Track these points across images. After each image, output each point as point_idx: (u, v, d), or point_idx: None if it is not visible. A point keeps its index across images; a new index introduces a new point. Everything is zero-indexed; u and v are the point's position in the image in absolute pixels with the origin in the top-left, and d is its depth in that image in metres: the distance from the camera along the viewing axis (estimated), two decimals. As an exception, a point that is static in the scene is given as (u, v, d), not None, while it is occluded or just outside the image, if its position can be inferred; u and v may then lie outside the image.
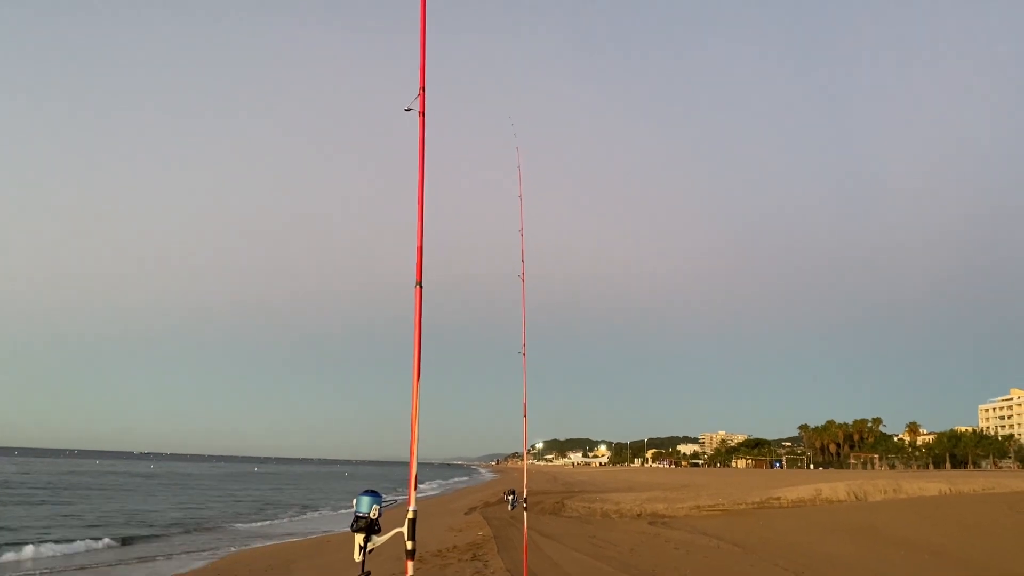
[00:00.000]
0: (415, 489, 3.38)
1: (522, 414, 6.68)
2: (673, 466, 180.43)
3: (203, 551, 20.21)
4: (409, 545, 3.40)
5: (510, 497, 7.04)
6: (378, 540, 3.66)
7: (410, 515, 3.38)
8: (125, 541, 22.01)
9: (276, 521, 31.24)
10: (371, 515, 3.60)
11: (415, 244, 3.42)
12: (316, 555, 17.33)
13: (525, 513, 7.28)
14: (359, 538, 3.65)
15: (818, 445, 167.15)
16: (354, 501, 3.74)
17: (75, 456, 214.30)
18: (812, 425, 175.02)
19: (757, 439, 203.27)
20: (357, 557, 3.68)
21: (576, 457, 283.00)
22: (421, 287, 3.38)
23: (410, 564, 3.38)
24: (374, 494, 3.74)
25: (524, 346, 6.73)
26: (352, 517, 3.71)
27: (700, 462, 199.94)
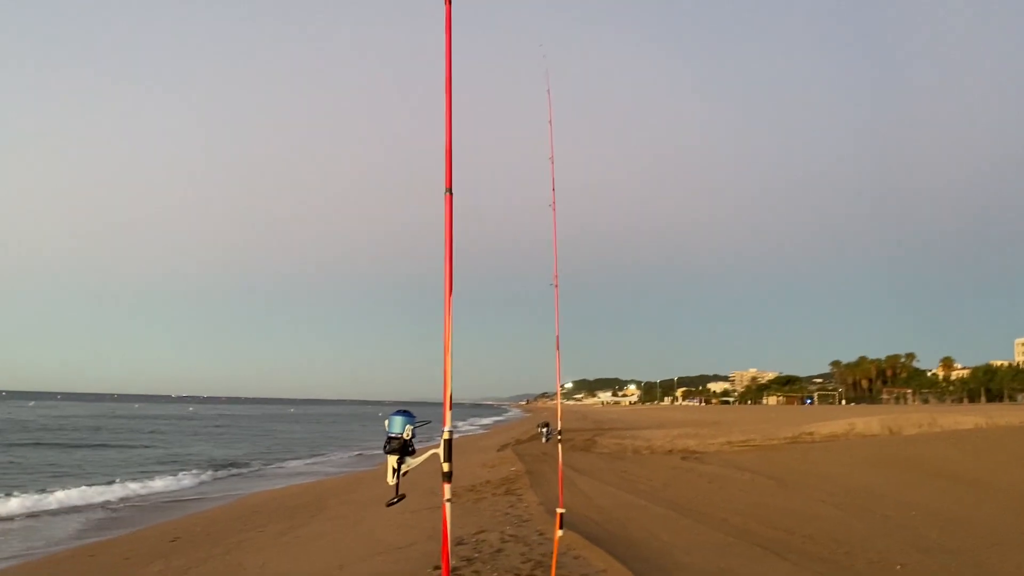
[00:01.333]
0: (450, 408, 3.12)
1: (555, 347, 6.43)
2: (703, 404, 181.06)
3: (237, 490, 20.53)
4: (446, 467, 3.18)
5: (544, 430, 6.86)
6: (412, 462, 3.47)
7: (446, 435, 3.16)
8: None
9: (309, 460, 31.70)
10: (404, 435, 3.42)
11: (444, 149, 3.16)
12: (349, 491, 17.48)
13: (560, 445, 7.10)
14: (392, 460, 3.47)
15: (850, 381, 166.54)
16: (386, 422, 3.52)
17: (116, 400, 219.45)
18: (844, 361, 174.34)
19: (788, 376, 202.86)
20: (391, 480, 3.49)
21: (605, 396, 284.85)
22: (452, 194, 3.14)
23: (447, 487, 3.16)
24: (406, 414, 3.53)
25: (556, 277, 6.44)
26: (384, 439, 3.51)
27: (731, 400, 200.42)
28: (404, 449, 3.45)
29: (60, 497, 17.57)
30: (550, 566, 7.60)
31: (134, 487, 20.25)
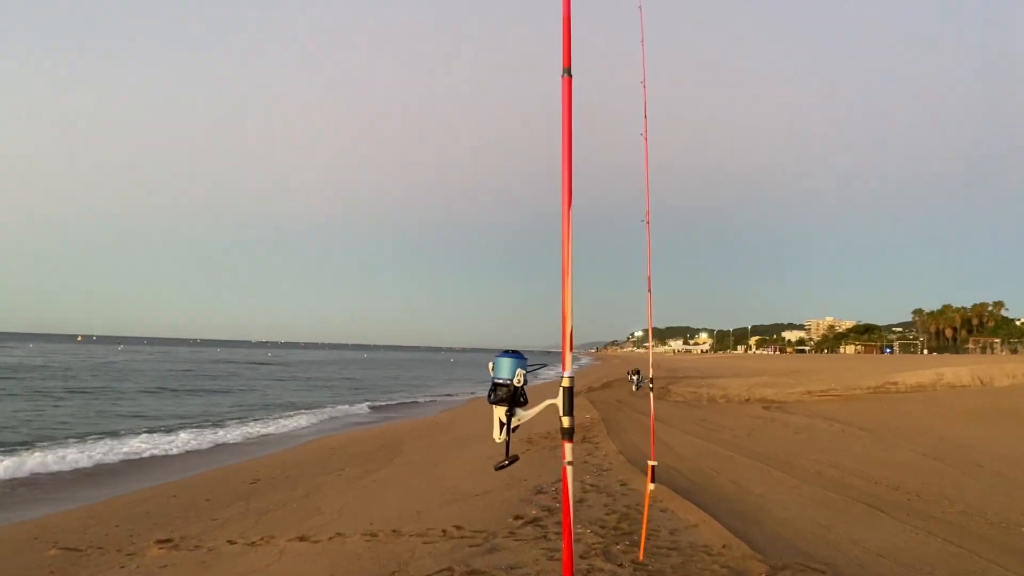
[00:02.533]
0: (570, 349, 2.61)
1: (646, 289, 5.94)
2: (778, 353, 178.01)
3: (321, 434, 20.76)
4: (566, 422, 2.69)
5: (634, 377, 6.39)
6: (524, 414, 2.96)
7: (565, 383, 2.67)
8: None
9: (384, 403, 32.03)
10: (514, 382, 2.91)
11: (561, 28, 2.74)
12: (425, 435, 17.47)
13: (652, 394, 6.65)
14: (499, 412, 2.94)
15: (933, 330, 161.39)
16: (490, 365, 3.00)
17: (199, 345, 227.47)
18: (927, 309, 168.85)
19: (867, 324, 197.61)
20: (499, 437, 2.97)
21: (676, 345, 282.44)
22: (571, 76, 2.69)
23: (568, 446, 2.68)
24: (516, 355, 2.99)
25: (648, 214, 5.91)
26: (489, 387, 2.99)
27: (806, 349, 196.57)
28: (514, 399, 2.94)
29: (183, 439, 18.18)
30: (636, 519, 7.25)
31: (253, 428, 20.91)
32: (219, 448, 17.61)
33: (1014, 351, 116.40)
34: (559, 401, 2.73)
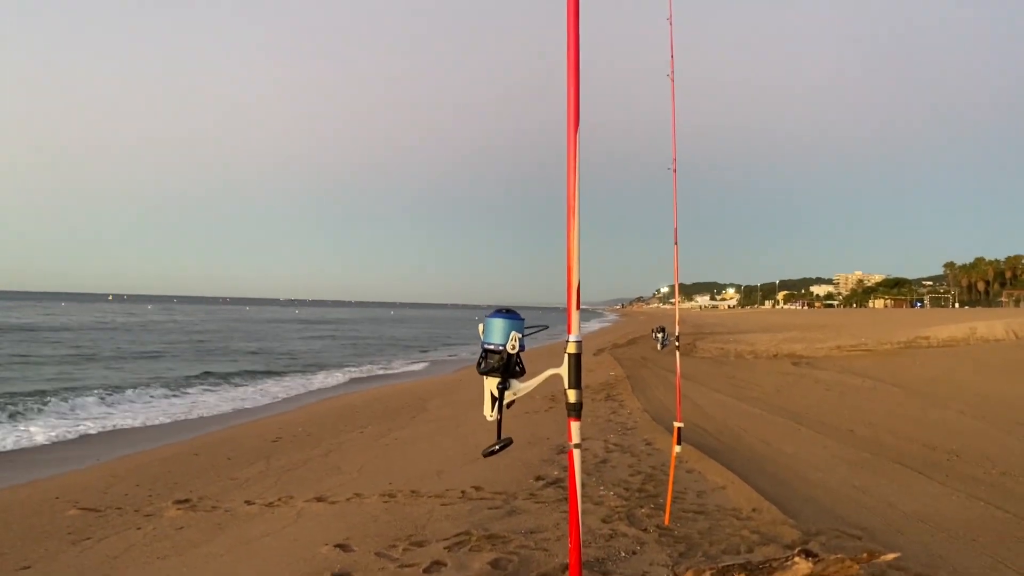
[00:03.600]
0: (577, 308, 2.20)
1: (672, 241, 5.62)
2: (806, 307, 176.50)
3: (348, 389, 20.76)
4: (572, 396, 2.31)
5: (659, 335, 6.09)
6: (521, 387, 2.53)
7: (571, 348, 2.24)
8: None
9: (409, 361, 32.05)
10: (508, 347, 2.45)
11: None
12: (449, 392, 17.35)
13: (678, 352, 6.36)
14: (491, 384, 2.53)
15: (964, 283, 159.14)
16: (479, 327, 2.57)
17: (228, 303, 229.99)
18: (958, 263, 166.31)
19: (896, 278, 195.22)
20: (490, 415, 2.56)
21: (703, 300, 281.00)
22: None
23: (575, 425, 2.32)
24: (510, 315, 2.51)
25: (675, 161, 5.56)
26: (480, 354, 2.56)
27: (835, 303, 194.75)
28: (508, 368, 2.48)
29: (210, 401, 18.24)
30: (662, 481, 7.02)
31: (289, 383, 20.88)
32: (246, 406, 17.64)
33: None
34: (563, 371, 2.30)
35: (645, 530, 5.32)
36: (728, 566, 3.39)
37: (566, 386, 2.34)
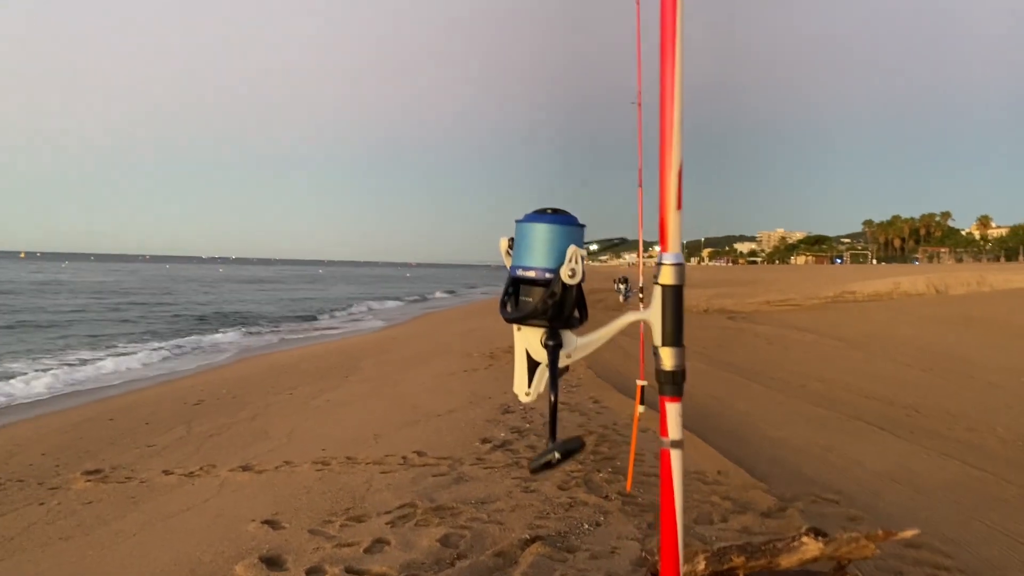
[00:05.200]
0: (678, 206, 1.39)
1: (636, 184, 5.10)
2: (731, 264, 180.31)
3: (275, 348, 19.93)
4: (668, 359, 1.43)
5: (623, 287, 5.58)
6: (584, 343, 1.58)
7: (666, 277, 1.41)
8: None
9: (340, 318, 31.21)
10: (563, 274, 1.49)
11: None
12: (382, 351, 16.72)
13: (641, 305, 5.88)
14: (528, 339, 1.58)
15: (882, 240, 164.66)
16: (503, 243, 1.62)
17: (147, 262, 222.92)
18: (876, 220, 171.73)
19: (817, 236, 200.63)
20: (527, 392, 1.63)
21: (630, 258, 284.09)
22: None
23: (672, 409, 1.45)
24: (563, 218, 1.54)
25: (640, 94, 5.01)
26: (505, 286, 1.61)
27: (758, 260, 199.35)
28: (560, 310, 1.52)
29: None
30: (616, 441, 6.60)
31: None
32: (166, 367, 16.70)
33: (959, 260, 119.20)
34: (652, 315, 1.46)
35: (607, 498, 4.88)
36: (725, 548, 2.93)
37: (658, 340, 1.46)
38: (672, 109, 1.37)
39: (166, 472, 6.74)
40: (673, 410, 1.49)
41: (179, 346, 20.06)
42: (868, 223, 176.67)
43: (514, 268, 1.58)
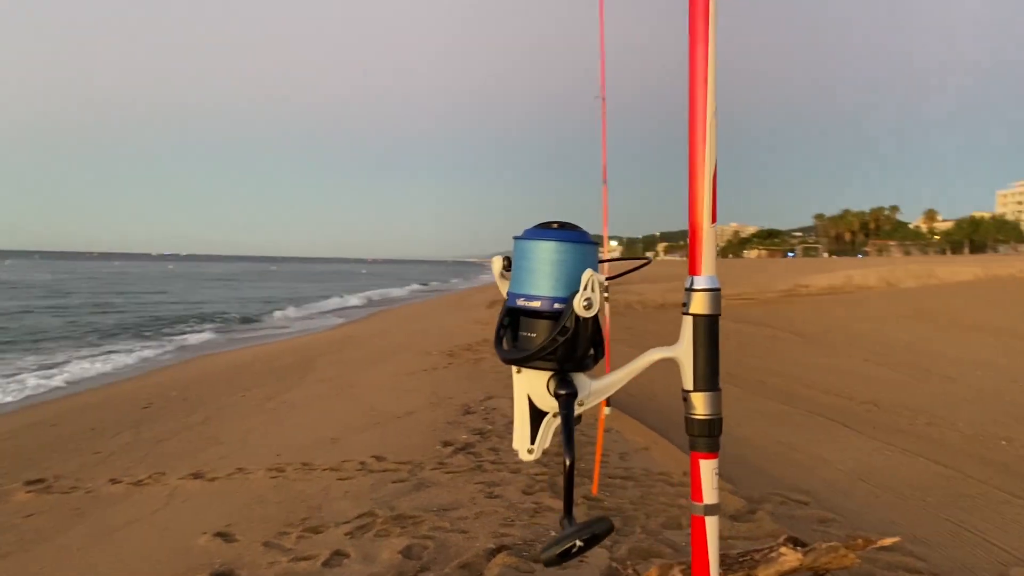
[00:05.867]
0: (713, 220, 1.22)
1: (601, 180, 4.99)
2: (685, 259, 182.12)
3: (228, 347, 19.49)
4: (700, 406, 1.21)
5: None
6: (598, 387, 1.31)
7: (698, 306, 1.23)
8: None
9: (297, 315, 30.71)
10: (575, 306, 1.21)
11: None
12: (338, 350, 16.44)
13: (607, 303, 5.76)
14: (531, 383, 1.30)
15: (833, 234, 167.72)
16: (495, 264, 1.39)
17: (96, 259, 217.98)
18: (827, 214, 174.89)
19: (770, 229, 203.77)
20: (529, 450, 1.35)
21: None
22: None
23: (706, 467, 1.23)
24: (573, 234, 1.28)
25: (603, 88, 4.89)
26: (500, 317, 1.34)
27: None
28: (573, 349, 1.24)
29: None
30: (580, 442, 6.51)
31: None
32: (113, 368, 16.22)
33: (907, 253, 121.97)
34: (682, 351, 1.24)
35: (572, 502, 4.76)
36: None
37: (688, 383, 1.24)
38: (704, 106, 1.19)
39: (113, 481, 6.46)
40: (708, 469, 1.25)
41: (127, 347, 19.53)
42: (819, 217, 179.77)
43: (513, 296, 1.30)
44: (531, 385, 1.31)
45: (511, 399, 4.89)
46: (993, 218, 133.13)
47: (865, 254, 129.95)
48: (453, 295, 44.71)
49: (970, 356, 10.32)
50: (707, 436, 1.25)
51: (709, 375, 1.24)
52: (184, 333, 22.97)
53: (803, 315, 16.91)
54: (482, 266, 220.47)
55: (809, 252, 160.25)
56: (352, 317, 29.89)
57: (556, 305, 1.24)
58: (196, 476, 6.26)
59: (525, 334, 1.28)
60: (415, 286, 62.95)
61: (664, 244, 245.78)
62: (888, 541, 2.79)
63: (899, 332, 13.13)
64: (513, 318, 1.31)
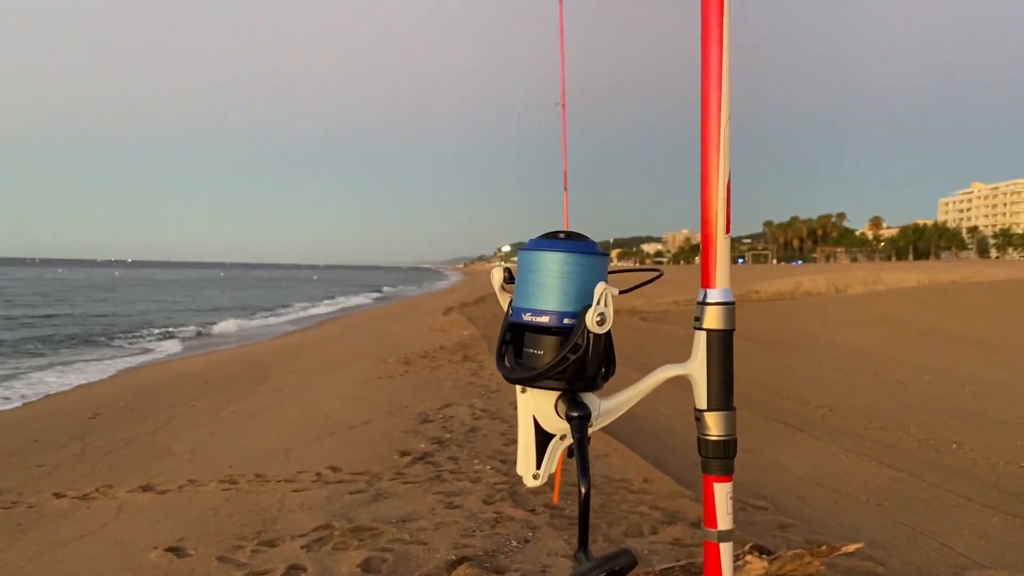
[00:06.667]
0: (727, 230, 1.17)
1: (562, 187, 4.97)
2: (638, 265, 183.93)
3: (178, 355, 19.09)
4: (714, 426, 1.18)
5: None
6: (608, 407, 1.27)
7: (712, 319, 1.19)
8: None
9: (248, 323, 30.23)
10: (588, 321, 1.12)
11: None
12: (291, 357, 16.21)
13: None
14: (538, 403, 1.22)
15: (782, 241, 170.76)
16: (493, 276, 1.32)
17: (38, 265, 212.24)
18: (777, 221, 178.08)
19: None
20: (533, 477, 1.25)
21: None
22: None
23: (720, 490, 1.20)
24: (582, 246, 1.20)
25: (563, 95, 4.87)
26: (500, 334, 1.26)
27: (664, 260, 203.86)
28: (582, 368, 1.16)
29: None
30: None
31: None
32: (57, 379, 15.76)
33: (854, 259, 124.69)
34: (695, 368, 1.22)
35: (534, 511, 4.72)
36: (668, 569, 2.80)
37: (702, 402, 1.22)
38: (718, 113, 1.15)
39: (58, 495, 6.24)
40: (723, 493, 1.20)
41: (74, 357, 19.03)
42: (768, 224, 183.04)
43: (518, 311, 1.20)
44: (538, 406, 1.23)
45: (470, 407, 4.84)
46: (935, 225, 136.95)
47: (797, 262, 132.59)
48: (409, 301, 44.49)
49: (919, 360, 10.52)
50: (722, 458, 1.21)
51: (724, 394, 1.20)
52: (134, 341, 22.48)
53: (755, 320, 17.11)
54: (437, 272, 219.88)
55: (759, 258, 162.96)
56: (305, 323, 29.53)
57: (566, 321, 1.17)
58: (146, 488, 6.08)
59: (531, 351, 1.20)
60: (369, 292, 62.54)
61: (617, 251, 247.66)
62: (851, 547, 2.80)
63: (850, 337, 13.36)
64: (516, 334, 1.24)
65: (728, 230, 1.17)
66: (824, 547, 2.81)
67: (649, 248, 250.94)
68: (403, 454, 6.36)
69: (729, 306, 1.19)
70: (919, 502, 4.83)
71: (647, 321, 18.79)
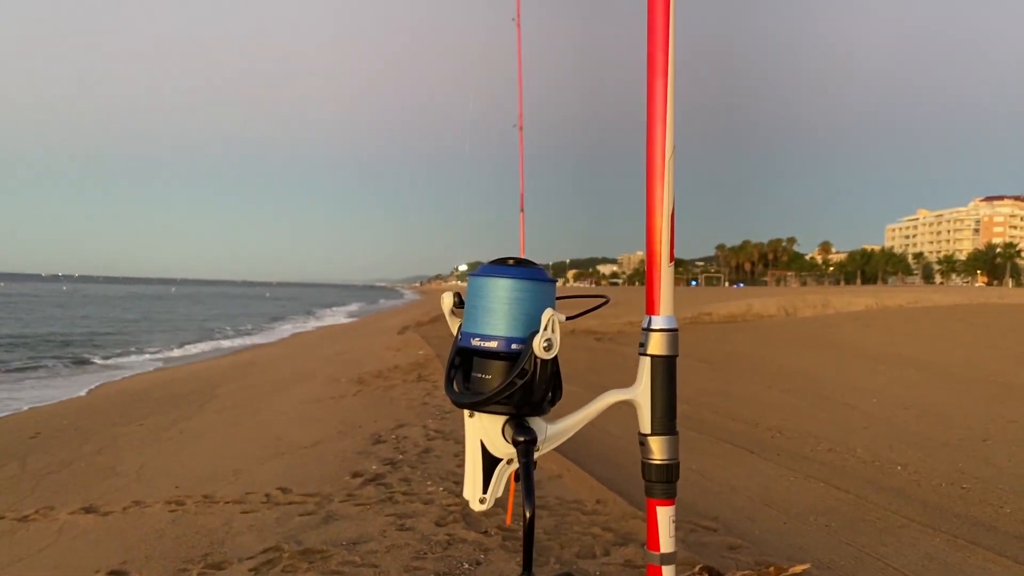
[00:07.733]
0: (671, 260, 1.27)
1: (519, 208, 5.01)
2: (594, 286, 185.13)
3: (123, 373, 18.65)
4: (658, 451, 1.30)
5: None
6: (555, 431, 1.32)
7: (655, 346, 1.28)
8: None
9: (198, 343, 29.70)
10: (535, 347, 1.18)
11: None
12: (240, 376, 15.96)
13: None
14: (485, 427, 1.27)
15: (734, 264, 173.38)
16: (443, 301, 1.36)
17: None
18: (729, 245, 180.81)
19: (675, 259, 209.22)
20: (480, 501, 1.33)
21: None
22: None
23: (664, 512, 1.29)
24: (531, 272, 1.24)
25: (521, 117, 4.91)
26: (449, 357, 1.31)
27: (619, 281, 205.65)
28: (530, 393, 1.21)
29: None
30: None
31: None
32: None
33: (804, 283, 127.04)
34: (639, 394, 1.29)
35: (486, 533, 4.70)
36: (618, 591, 2.82)
37: (646, 427, 1.28)
38: (663, 146, 1.19)
39: (-5, 517, 6.05)
40: (665, 516, 1.26)
41: (15, 375, 18.49)
42: (721, 247, 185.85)
43: (467, 336, 1.23)
44: (485, 430, 1.26)
45: (423, 427, 4.84)
46: (883, 251, 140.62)
47: (739, 285, 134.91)
48: (363, 320, 44.14)
49: (865, 384, 10.74)
50: (665, 482, 1.26)
51: (667, 418, 1.27)
52: (80, 360, 21.91)
53: (707, 342, 17.32)
54: (393, 291, 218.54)
55: (711, 281, 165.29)
56: (256, 342, 29.12)
57: (514, 346, 1.20)
58: (88, 510, 5.92)
59: (479, 375, 1.23)
60: (321, 310, 61.92)
61: (573, 271, 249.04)
62: (799, 568, 2.85)
63: (799, 360, 13.60)
64: (465, 358, 1.27)
65: (672, 259, 1.20)
66: (773, 568, 2.85)
67: (605, 269, 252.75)
68: (355, 475, 6.29)
69: (672, 333, 1.24)
70: (865, 523, 4.92)
71: (601, 342, 18.91)
